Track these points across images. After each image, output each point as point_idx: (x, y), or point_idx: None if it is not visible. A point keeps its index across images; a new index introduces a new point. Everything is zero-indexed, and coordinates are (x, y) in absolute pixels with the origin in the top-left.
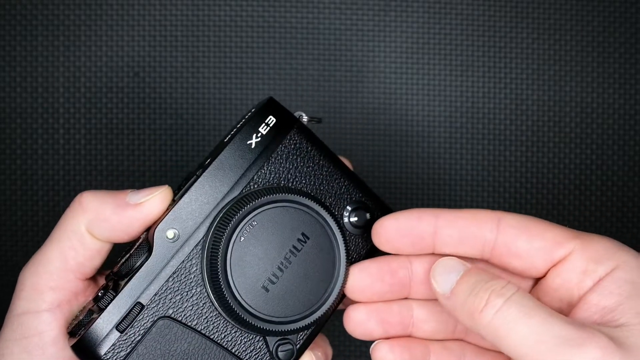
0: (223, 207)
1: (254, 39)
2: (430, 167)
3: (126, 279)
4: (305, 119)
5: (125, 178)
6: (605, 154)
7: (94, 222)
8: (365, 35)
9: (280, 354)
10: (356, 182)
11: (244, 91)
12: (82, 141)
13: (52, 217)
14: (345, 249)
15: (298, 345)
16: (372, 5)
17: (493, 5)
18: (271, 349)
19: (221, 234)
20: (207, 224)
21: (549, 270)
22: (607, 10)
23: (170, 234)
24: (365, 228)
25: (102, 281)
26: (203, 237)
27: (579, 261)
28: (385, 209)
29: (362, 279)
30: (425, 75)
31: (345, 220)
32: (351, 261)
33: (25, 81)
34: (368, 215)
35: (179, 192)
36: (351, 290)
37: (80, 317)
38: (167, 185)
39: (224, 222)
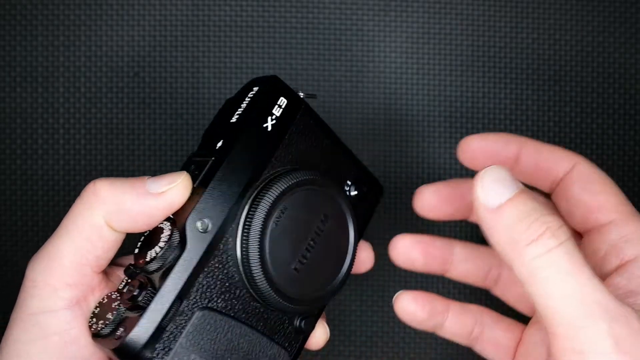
0: (252, 194)
1: (254, 39)
2: (430, 167)
3: (161, 275)
4: (302, 96)
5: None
6: (605, 154)
7: (113, 214)
8: (365, 35)
9: (303, 327)
10: (351, 156)
11: None
12: (82, 141)
13: (52, 217)
14: (354, 225)
15: (315, 313)
16: (372, 5)
17: (493, 5)
18: (295, 324)
19: (256, 222)
20: (236, 212)
21: (589, 230)
22: (607, 10)
23: (200, 225)
24: (362, 201)
25: (114, 272)
26: (233, 226)
27: (613, 234)
28: (375, 182)
29: (432, 198)
30: (425, 75)
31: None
32: (358, 236)
33: (25, 81)
34: (365, 188)
35: (193, 177)
36: (421, 207)
37: (109, 316)
38: (185, 172)
39: (258, 210)
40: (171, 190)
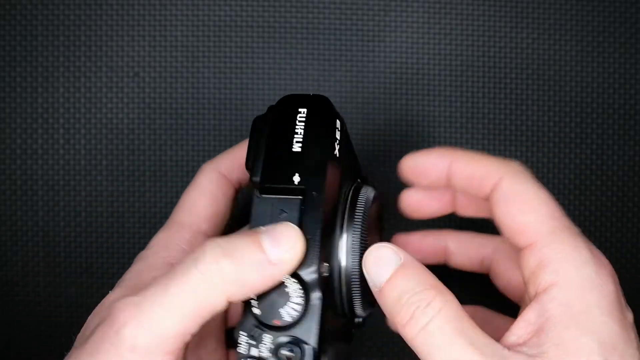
0: (343, 224)
1: (254, 39)
2: None
3: (290, 331)
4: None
5: (125, 178)
6: (605, 154)
7: (236, 291)
8: (365, 35)
9: (363, 323)
10: (357, 161)
11: (244, 91)
12: (82, 141)
13: (52, 217)
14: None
15: None
16: (372, 5)
17: (493, 5)
18: (357, 322)
19: (357, 250)
20: (337, 244)
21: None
22: (607, 10)
23: (324, 270)
24: None
25: None
26: (337, 259)
27: (531, 259)
28: (367, 180)
29: (414, 199)
30: (425, 75)
31: None
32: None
33: (25, 81)
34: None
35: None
36: (406, 209)
37: None
38: (299, 231)
39: (359, 243)
40: (294, 256)
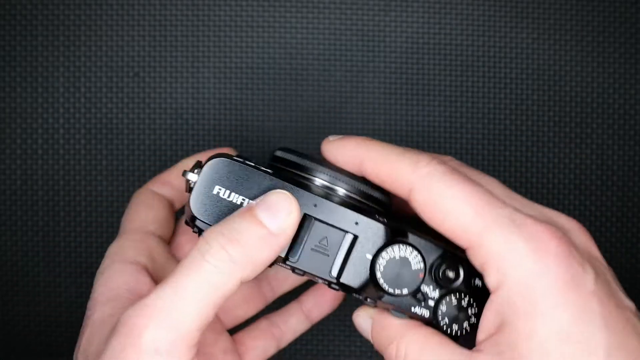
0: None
1: (254, 39)
2: None
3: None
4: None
5: (125, 178)
6: (605, 154)
7: (249, 272)
8: (365, 35)
9: None
10: None
11: (244, 91)
12: (82, 141)
13: (52, 217)
14: None
15: None
16: (372, 5)
17: (493, 5)
18: None
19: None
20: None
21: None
22: (607, 10)
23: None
24: None
25: None
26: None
27: (475, 261)
28: None
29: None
30: (425, 75)
31: None
32: None
33: (25, 81)
34: None
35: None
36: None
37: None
38: (290, 195)
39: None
40: (292, 220)
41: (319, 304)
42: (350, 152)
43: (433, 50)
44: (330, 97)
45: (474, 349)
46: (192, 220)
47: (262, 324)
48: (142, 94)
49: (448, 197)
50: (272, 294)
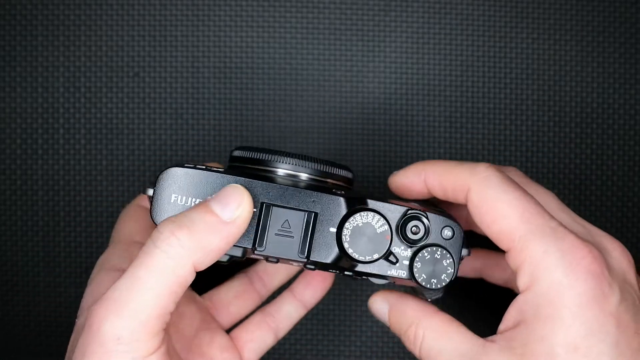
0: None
1: (254, 39)
2: None
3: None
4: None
5: (125, 178)
6: (605, 154)
7: (201, 259)
8: (365, 35)
9: None
10: None
11: (244, 91)
12: (82, 141)
13: (52, 217)
14: None
15: None
16: (372, 5)
17: (493, 5)
18: None
19: None
20: None
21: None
22: (607, 10)
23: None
24: None
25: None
26: None
27: (511, 263)
28: None
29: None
30: (425, 75)
31: None
32: None
33: (25, 81)
34: None
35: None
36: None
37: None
38: (241, 187)
39: None
40: (244, 210)
41: (310, 287)
42: (413, 173)
43: (433, 50)
44: (330, 97)
45: (489, 338)
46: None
47: (256, 316)
48: (142, 94)
49: (500, 200)
50: (265, 290)
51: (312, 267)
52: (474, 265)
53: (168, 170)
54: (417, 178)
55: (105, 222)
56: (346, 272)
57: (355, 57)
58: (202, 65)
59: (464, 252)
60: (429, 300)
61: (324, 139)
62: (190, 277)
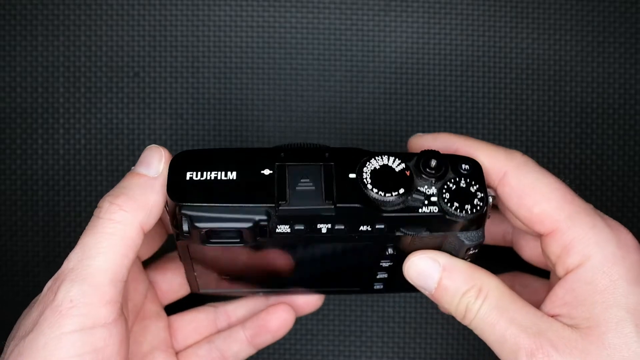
0: None
1: (254, 39)
2: None
3: None
4: None
5: None
6: (605, 154)
7: (145, 218)
8: (365, 35)
9: None
10: None
11: (244, 91)
12: (82, 141)
13: (52, 217)
14: None
15: None
16: (372, 5)
17: (493, 5)
18: None
19: None
20: None
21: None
22: (607, 10)
23: None
24: None
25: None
26: None
27: (555, 245)
28: None
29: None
30: (425, 75)
31: None
32: None
33: (25, 81)
34: None
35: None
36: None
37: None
38: (155, 145)
39: None
40: (165, 162)
41: (266, 333)
42: (444, 140)
43: (433, 50)
44: (330, 97)
45: (549, 313)
46: (177, 212)
47: (203, 347)
48: (142, 94)
49: (542, 183)
50: (226, 324)
51: (333, 215)
52: (506, 228)
53: (178, 154)
54: (445, 146)
55: None
56: (376, 228)
57: (355, 57)
58: (202, 65)
59: (490, 191)
60: (471, 250)
61: (324, 139)
62: (139, 239)
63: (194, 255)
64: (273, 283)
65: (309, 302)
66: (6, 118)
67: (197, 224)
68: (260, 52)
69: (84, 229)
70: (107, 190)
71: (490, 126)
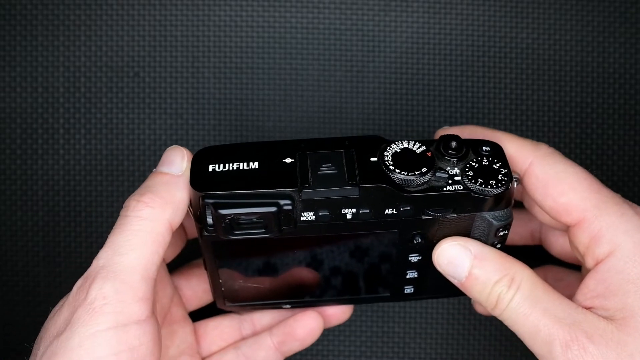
0: None
1: (254, 39)
2: None
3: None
4: None
5: (125, 178)
6: (605, 154)
7: (174, 214)
8: (365, 35)
9: None
10: None
11: (244, 91)
12: (82, 141)
13: (52, 217)
14: None
15: None
16: (372, 5)
17: (493, 5)
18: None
19: None
20: None
21: (567, 226)
22: (607, 10)
23: None
24: None
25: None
26: None
27: (583, 235)
28: None
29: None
30: (425, 75)
31: None
32: None
33: (25, 81)
34: None
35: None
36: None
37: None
38: (177, 146)
39: None
40: (187, 161)
41: (294, 340)
42: (471, 131)
43: (433, 50)
44: (330, 97)
45: (580, 303)
46: (201, 203)
47: (230, 353)
48: (142, 94)
49: (569, 173)
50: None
51: (368, 210)
52: (534, 226)
53: (201, 150)
54: (471, 137)
55: (105, 222)
56: (400, 210)
57: (355, 57)
58: (202, 65)
59: (514, 173)
60: (500, 231)
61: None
62: (168, 236)
63: (219, 256)
64: (299, 293)
65: (337, 312)
66: (6, 118)
67: (221, 211)
68: (260, 52)
69: (84, 229)
70: (107, 191)
71: (490, 126)
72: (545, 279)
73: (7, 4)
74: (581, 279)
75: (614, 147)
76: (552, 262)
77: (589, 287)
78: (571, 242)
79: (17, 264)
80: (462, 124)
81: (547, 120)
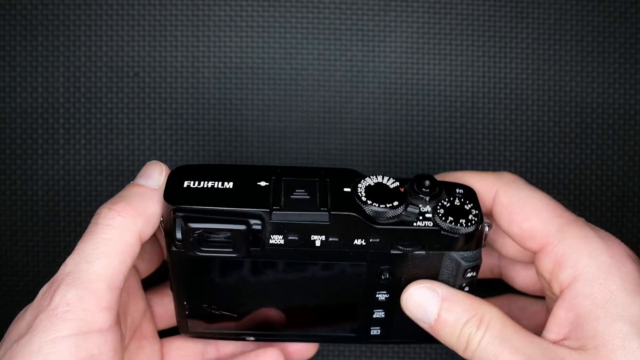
0: None
1: (254, 39)
2: (430, 167)
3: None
4: None
5: (125, 178)
6: (605, 154)
7: (144, 226)
8: (365, 35)
9: None
10: None
11: (244, 91)
12: (82, 141)
13: (52, 217)
14: None
15: None
16: (372, 5)
17: (493, 5)
18: None
19: None
20: None
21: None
22: (607, 10)
23: None
24: None
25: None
26: None
27: (547, 260)
28: None
29: None
30: (425, 75)
31: None
32: None
33: (25, 81)
34: None
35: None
36: None
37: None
38: (157, 161)
39: None
40: (163, 176)
41: None
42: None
43: (433, 50)
44: (330, 97)
45: (552, 340)
46: (171, 216)
47: None
48: (142, 94)
49: (531, 199)
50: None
51: (337, 239)
52: (493, 261)
53: (179, 167)
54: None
55: None
56: (370, 241)
57: (355, 57)
58: (202, 65)
59: (486, 220)
60: (469, 272)
61: (324, 139)
62: (137, 247)
63: (186, 276)
64: (264, 326)
65: (300, 349)
66: (6, 118)
67: (190, 224)
68: (260, 52)
69: (84, 229)
70: (107, 191)
71: (490, 126)
72: (509, 308)
73: (7, 4)
74: (548, 309)
75: (614, 147)
76: (513, 292)
77: (560, 317)
78: (537, 272)
79: (17, 264)
80: (461, 124)
81: (547, 120)
